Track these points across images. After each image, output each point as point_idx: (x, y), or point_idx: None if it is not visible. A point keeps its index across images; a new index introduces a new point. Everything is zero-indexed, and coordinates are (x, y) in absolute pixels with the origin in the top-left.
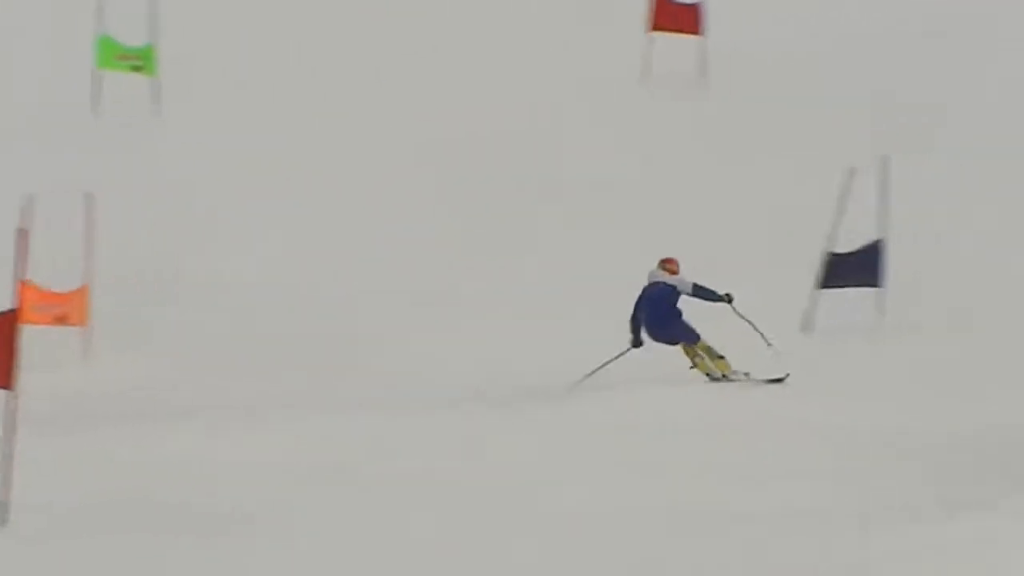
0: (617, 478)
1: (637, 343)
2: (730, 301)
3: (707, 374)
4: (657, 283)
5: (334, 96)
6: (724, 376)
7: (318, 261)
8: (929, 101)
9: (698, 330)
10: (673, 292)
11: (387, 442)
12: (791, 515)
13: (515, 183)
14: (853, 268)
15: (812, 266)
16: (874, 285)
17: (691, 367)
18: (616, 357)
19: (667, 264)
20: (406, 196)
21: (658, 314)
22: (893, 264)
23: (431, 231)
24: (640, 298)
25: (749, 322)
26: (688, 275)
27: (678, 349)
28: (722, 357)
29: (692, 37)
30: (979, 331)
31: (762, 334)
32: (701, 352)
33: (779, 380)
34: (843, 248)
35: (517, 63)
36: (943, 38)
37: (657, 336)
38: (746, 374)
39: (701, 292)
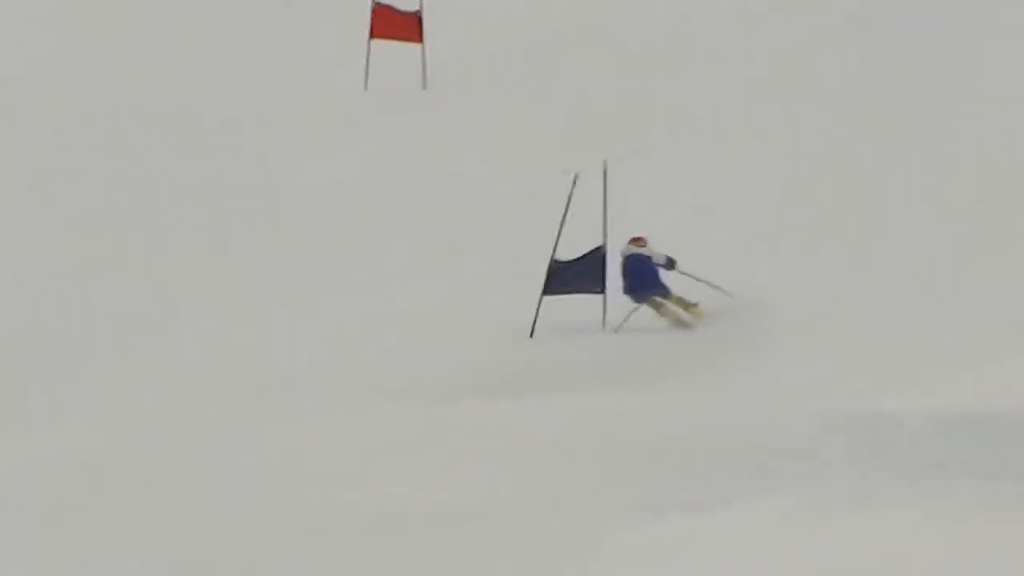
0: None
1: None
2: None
3: (676, 321)
4: (633, 255)
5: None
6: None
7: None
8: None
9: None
10: (649, 261)
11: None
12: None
13: (238, 188)
14: (576, 275)
15: (537, 273)
16: (597, 291)
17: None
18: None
19: (638, 241)
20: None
21: (641, 280)
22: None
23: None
24: (623, 270)
25: (704, 281)
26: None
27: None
28: (695, 304)
29: (413, 44)
30: (701, 331)
31: (717, 287)
32: (674, 304)
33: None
34: (566, 255)
35: (239, 67)
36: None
37: (641, 298)
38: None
39: (670, 264)
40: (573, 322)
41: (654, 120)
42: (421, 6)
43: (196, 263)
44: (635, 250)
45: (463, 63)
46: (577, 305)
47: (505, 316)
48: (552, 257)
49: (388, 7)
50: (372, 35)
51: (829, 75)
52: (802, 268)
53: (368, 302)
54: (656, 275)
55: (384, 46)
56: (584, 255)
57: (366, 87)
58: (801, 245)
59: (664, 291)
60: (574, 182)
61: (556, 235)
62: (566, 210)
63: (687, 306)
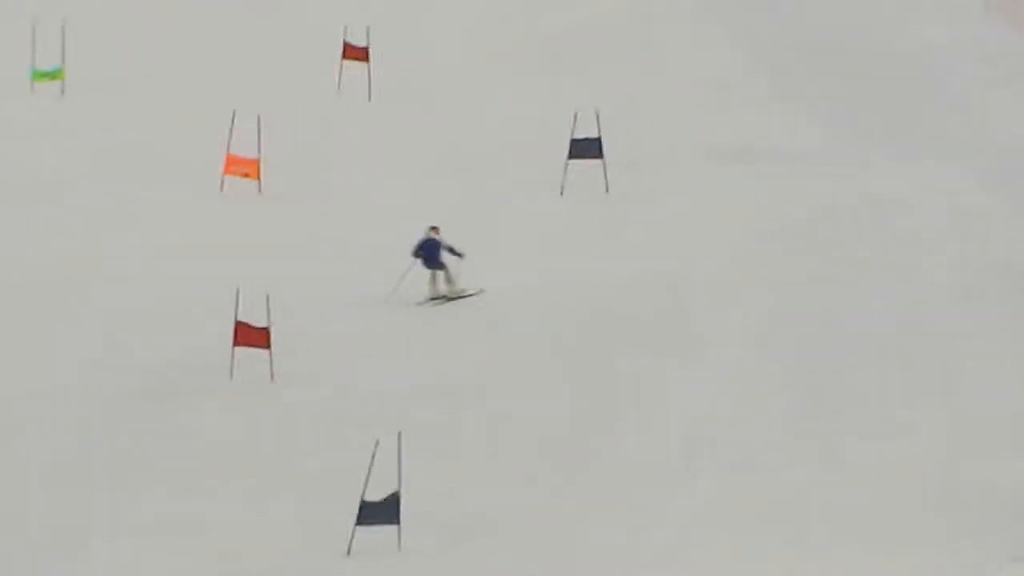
0: None
1: (418, 257)
2: (462, 256)
3: (433, 297)
4: (431, 239)
5: None
6: (451, 295)
7: None
8: None
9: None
10: (439, 245)
11: None
12: None
13: None
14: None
15: None
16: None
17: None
18: (407, 271)
19: (435, 230)
20: None
21: (433, 254)
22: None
23: None
24: (421, 244)
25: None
26: None
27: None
28: (452, 282)
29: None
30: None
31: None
32: (444, 277)
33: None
34: None
35: None
36: None
37: (431, 265)
38: (471, 292)
39: (451, 249)
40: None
41: None
42: None
43: None
44: (432, 235)
45: None
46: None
47: None
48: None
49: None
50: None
51: None
52: None
53: None
54: (440, 254)
55: None
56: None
57: None
58: None
59: (442, 266)
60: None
61: None
62: None
63: (451, 280)
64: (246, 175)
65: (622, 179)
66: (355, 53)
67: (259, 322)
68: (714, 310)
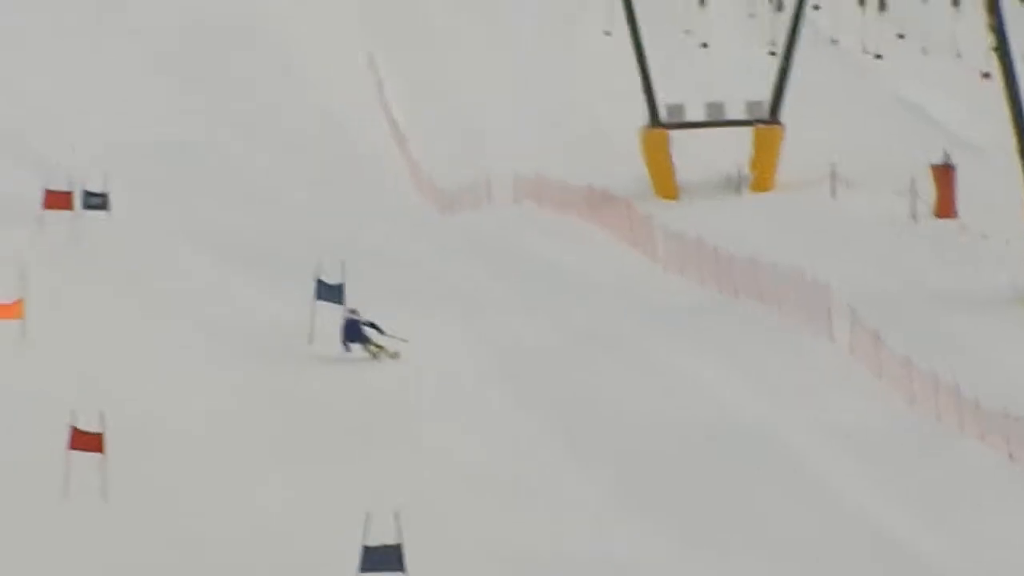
0: None
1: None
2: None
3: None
4: (352, 317)
5: None
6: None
7: None
8: None
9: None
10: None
11: None
12: None
13: None
14: None
15: None
16: None
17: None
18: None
19: (354, 312)
20: None
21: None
22: None
23: None
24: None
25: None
26: None
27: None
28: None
29: None
30: None
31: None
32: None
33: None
34: None
35: None
36: None
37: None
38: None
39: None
40: None
41: None
42: None
43: None
44: (351, 315)
45: None
46: None
47: None
48: None
49: None
50: None
51: None
52: None
53: None
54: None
55: None
56: None
57: None
58: None
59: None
60: None
61: None
62: None
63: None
64: None
65: None
66: None
67: None
68: None
